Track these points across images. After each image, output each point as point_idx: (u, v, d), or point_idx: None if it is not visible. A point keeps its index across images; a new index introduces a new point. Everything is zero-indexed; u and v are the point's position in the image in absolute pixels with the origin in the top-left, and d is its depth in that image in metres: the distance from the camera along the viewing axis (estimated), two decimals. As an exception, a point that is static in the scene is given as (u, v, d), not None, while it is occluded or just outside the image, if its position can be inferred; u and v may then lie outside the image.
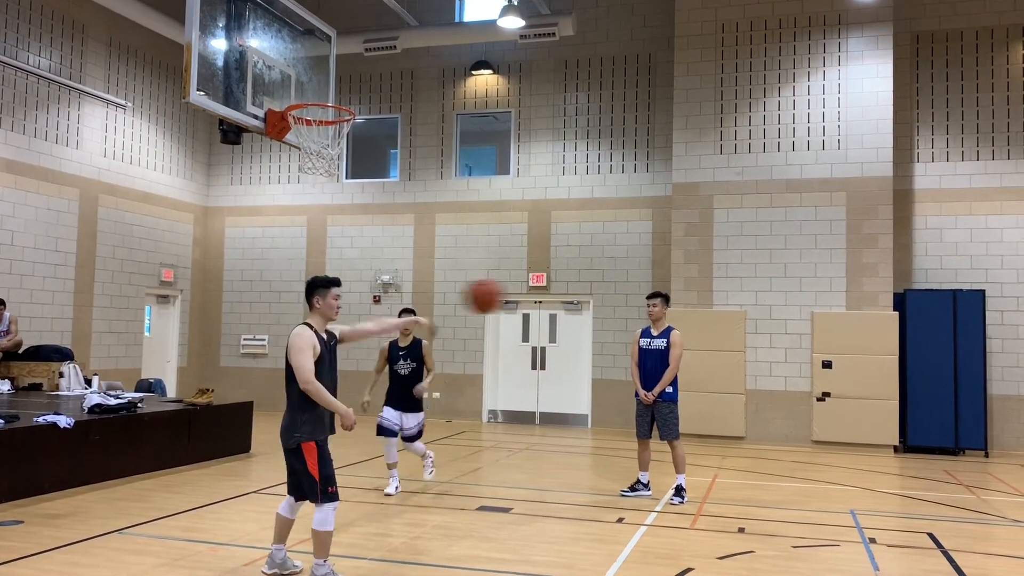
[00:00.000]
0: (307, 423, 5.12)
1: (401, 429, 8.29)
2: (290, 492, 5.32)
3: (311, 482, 5.08)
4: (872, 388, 12.40)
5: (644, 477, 8.48)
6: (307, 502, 5.22)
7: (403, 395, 8.28)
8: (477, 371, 15.45)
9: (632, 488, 8.46)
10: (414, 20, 15.44)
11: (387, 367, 8.41)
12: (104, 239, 14.64)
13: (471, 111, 16.07)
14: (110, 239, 14.75)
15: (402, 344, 8.35)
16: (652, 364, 8.31)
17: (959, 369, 12.38)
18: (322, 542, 5.11)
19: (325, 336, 5.30)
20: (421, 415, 8.42)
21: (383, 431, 8.23)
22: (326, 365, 5.23)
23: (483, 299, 5.82)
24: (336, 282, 5.41)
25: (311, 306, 5.38)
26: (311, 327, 5.23)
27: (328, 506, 5.08)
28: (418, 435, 8.40)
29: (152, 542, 6.22)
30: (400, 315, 8.12)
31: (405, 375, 8.28)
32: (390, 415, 8.28)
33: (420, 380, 8.28)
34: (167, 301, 16.44)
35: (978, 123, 13.37)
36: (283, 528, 5.39)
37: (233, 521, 7.01)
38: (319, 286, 5.35)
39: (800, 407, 12.81)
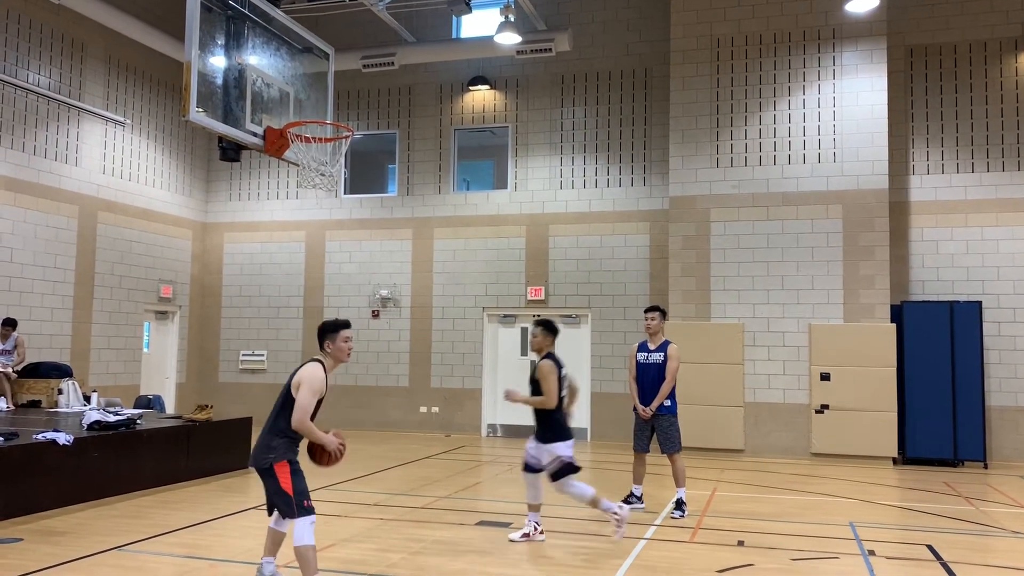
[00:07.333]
0: (281, 446, 5.13)
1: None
2: (270, 512, 5.35)
3: (286, 499, 5.07)
4: (870, 400, 12.41)
5: (638, 490, 8.48)
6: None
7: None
8: (476, 385, 15.46)
9: (626, 501, 8.45)
10: (411, 37, 15.56)
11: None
12: (103, 255, 14.67)
13: (468, 126, 16.14)
14: (109, 255, 14.79)
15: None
16: (650, 378, 8.30)
17: (957, 380, 12.39)
18: (304, 556, 5.02)
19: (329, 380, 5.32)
20: (551, 446, 6.87)
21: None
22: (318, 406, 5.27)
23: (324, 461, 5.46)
24: (346, 324, 5.36)
25: (322, 347, 5.32)
26: (324, 367, 5.23)
27: (305, 519, 5.04)
28: (552, 472, 6.79)
29: (151, 559, 6.22)
30: None
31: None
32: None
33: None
34: (166, 317, 16.45)
35: (972, 135, 13.45)
36: (274, 540, 5.37)
37: (232, 537, 7.00)
38: (328, 331, 5.31)
39: (799, 419, 12.82)
